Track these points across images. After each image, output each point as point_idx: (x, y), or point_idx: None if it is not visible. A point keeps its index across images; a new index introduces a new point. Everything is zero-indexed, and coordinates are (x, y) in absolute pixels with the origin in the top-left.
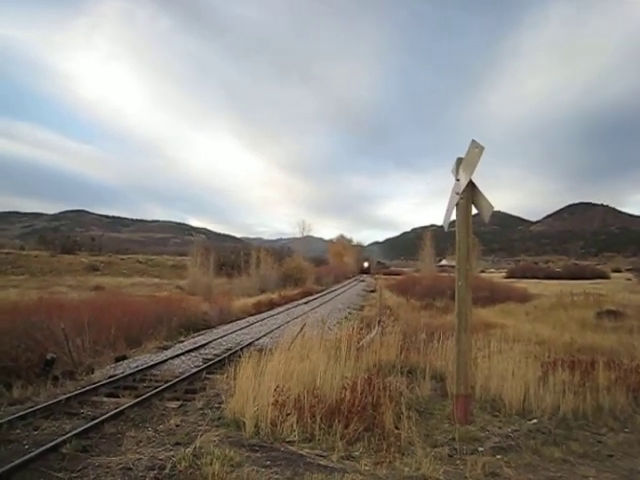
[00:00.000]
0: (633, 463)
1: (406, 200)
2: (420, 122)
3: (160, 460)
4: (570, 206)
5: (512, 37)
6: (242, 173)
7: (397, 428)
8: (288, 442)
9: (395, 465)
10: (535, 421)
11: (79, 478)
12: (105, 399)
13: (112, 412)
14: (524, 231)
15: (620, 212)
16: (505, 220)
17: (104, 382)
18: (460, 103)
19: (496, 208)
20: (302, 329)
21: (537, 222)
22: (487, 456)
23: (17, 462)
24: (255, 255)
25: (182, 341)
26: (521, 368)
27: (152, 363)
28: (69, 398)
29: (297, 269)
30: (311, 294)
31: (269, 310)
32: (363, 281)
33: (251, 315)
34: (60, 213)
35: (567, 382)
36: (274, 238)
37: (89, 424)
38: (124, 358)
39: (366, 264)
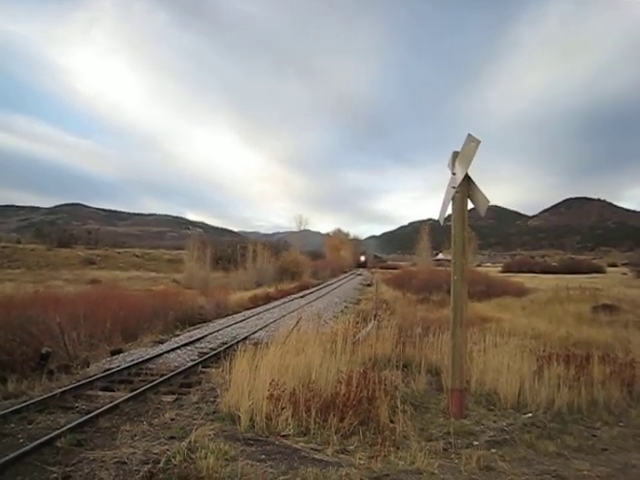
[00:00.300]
0: (627, 457)
1: (403, 194)
2: (418, 117)
3: (155, 454)
4: (567, 201)
5: (511, 33)
6: (240, 167)
7: (392, 422)
8: (283, 436)
9: (390, 459)
10: (530, 415)
11: (73, 472)
12: (100, 393)
13: (107, 406)
14: (521, 225)
15: (617, 207)
16: (502, 214)
17: (99, 376)
18: (458, 98)
19: (493, 202)
20: (298, 323)
21: (534, 216)
22: (482, 450)
23: (11, 456)
24: (252, 249)
25: (178, 335)
26: (516, 362)
27: (148, 357)
28: (64, 392)
29: (294, 263)
30: (308, 288)
31: (265, 304)
32: (360, 275)
33: (247, 309)
34: (57, 206)
35: (562, 376)
36: (271, 232)
37: (84, 418)
38: (120, 352)
39: (363, 258)
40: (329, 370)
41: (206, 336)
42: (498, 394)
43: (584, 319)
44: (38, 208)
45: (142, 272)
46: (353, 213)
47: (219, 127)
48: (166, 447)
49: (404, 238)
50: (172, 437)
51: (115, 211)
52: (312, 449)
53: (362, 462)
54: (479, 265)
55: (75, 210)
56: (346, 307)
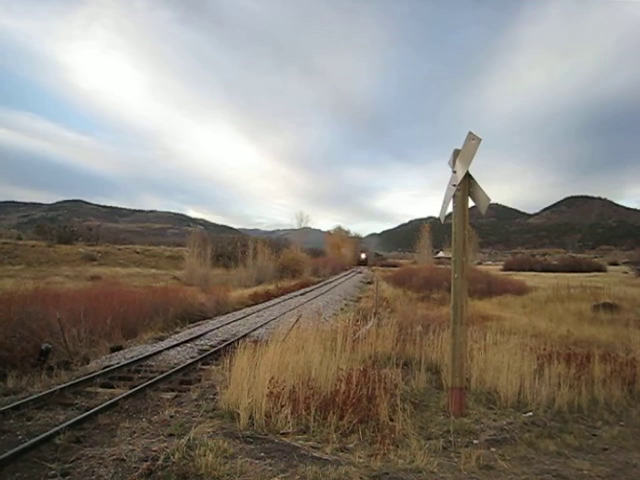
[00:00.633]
0: (628, 456)
1: (404, 192)
2: (419, 114)
3: (154, 451)
4: (568, 199)
5: (512, 30)
6: (241, 165)
7: (392, 420)
8: (282, 434)
9: (389, 457)
10: (530, 414)
11: (72, 469)
12: (100, 390)
13: (106, 403)
14: (522, 224)
15: (617, 205)
16: (503, 212)
17: (99, 372)
18: (460, 95)
19: (494, 200)
20: (298, 320)
21: (535, 215)
22: (482, 449)
23: (10, 453)
24: (252, 246)
25: (178, 332)
26: (517, 361)
27: (147, 354)
28: (63, 388)
29: (294, 260)
30: (308, 285)
31: (265, 301)
32: (360, 273)
33: (247, 306)
34: (57, 203)
35: (563, 375)
36: (272, 229)
37: (83, 415)
38: (120, 348)
39: (363, 256)
40: (329, 368)
41: (206, 333)
42: (498, 392)
43: (585, 318)
44: (39, 204)
45: (142, 269)
46: (354, 210)
47: (220, 124)
48: (165, 444)
49: (405, 236)
50: (171, 434)
51: (116, 208)
52: (311, 447)
53: (361, 460)
54: (480, 263)
55: (76, 207)
56: (346, 305)
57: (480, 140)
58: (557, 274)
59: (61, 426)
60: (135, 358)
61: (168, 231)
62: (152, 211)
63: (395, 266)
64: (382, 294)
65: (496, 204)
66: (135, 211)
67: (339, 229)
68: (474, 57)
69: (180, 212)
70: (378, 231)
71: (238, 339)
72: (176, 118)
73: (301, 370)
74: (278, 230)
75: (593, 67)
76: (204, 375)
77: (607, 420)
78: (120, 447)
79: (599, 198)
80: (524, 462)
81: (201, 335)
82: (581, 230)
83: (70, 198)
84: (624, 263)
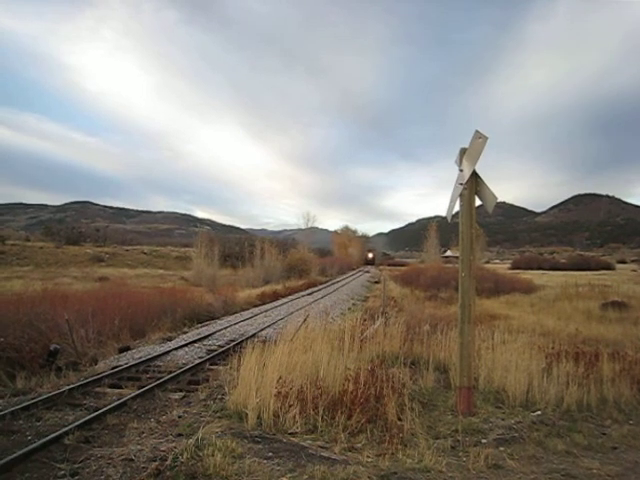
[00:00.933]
0: (637, 455)
1: (411, 191)
2: (425, 114)
3: (162, 451)
4: (575, 197)
5: (519, 30)
6: (248, 165)
7: (400, 420)
8: (290, 434)
9: (398, 457)
10: (539, 413)
11: (81, 469)
12: (108, 390)
13: (115, 403)
14: (529, 222)
15: (626, 203)
16: (510, 211)
17: (107, 373)
18: (466, 95)
19: (501, 199)
20: (305, 320)
21: (542, 213)
22: (490, 448)
23: (19, 453)
24: (260, 246)
25: (186, 332)
26: (525, 359)
27: (155, 354)
28: (72, 389)
29: (301, 260)
30: (315, 285)
31: (273, 301)
32: (368, 272)
33: (255, 306)
34: (65, 204)
35: (571, 374)
36: (279, 229)
37: (92, 415)
38: (128, 349)
39: (371, 255)
40: (337, 368)
41: (214, 333)
42: (506, 392)
43: (593, 316)
44: (47, 206)
45: (150, 269)
46: (361, 210)
47: (227, 124)
48: (173, 444)
49: (412, 235)
50: (179, 434)
51: (123, 209)
52: (319, 447)
53: (370, 460)
54: (487, 262)
55: (83, 208)
56: (354, 304)
57: (487, 138)
58: (565, 272)
59: (70, 426)
60: (143, 358)
61: (175, 232)
62: (159, 212)
63: (403, 265)
64: (390, 293)
65: (503, 202)
66: (142, 212)
67: (346, 229)
68: (481, 56)
69: (187, 213)
70: (385, 230)
71: (246, 339)
72: (183, 119)
73: (309, 370)
74: (285, 230)
75: (602, 64)
76: (212, 375)
77: (616, 419)
78: (129, 447)
79: (607, 196)
80: (533, 461)
81: (209, 335)
82: (589, 228)
83: (77, 199)
84: (632, 261)
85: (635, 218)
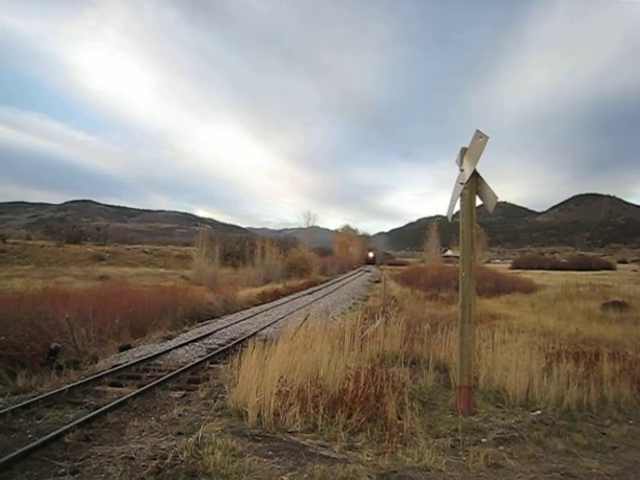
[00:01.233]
0: (637, 455)
1: (411, 191)
2: (426, 113)
3: (162, 450)
4: (576, 197)
5: (519, 30)
6: (249, 164)
7: (400, 419)
8: (290, 432)
9: (397, 456)
10: (539, 412)
11: (81, 467)
12: (108, 388)
13: (115, 402)
14: (530, 222)
15: (627, 203)
16: (511, 211)
17: (108, 371)
18: (467, 95)
19: (502, 199)
20: (306, 319)
21: (543, 213)
22: (490, 447)
23: (20, 451)
24: (260, 245)
25: (186, 331)
26: (525, 359)
27: (156, 353)
28: (72, 387)
29: (302, 259)
30: (316, 284)
31: (274, 300)
32: (368, 271)
33: (256, 305)
34: (66, 203)
35: (571, 373)
36: (279, 228)
37: (92, 413)
38: (128, 348)
39: (371, 254)
40: (337, 367)
41: (214, 332)
42: (506, 391)
43: (594, 316)
44: (48, 205)
45: (151, 268)
46: (362, 209)
47: (227, 123)
48: (174, 443)
49: (413, 234)
50: (180, 433)
51: (124, 207)
52: (319, 445)
53: (369, 459)
54: (488, 262)
55: (84, 207)
56: (354, 304)
57: (487, 138)
58: (566, 272)
59: (70, 425)
60: (144, 357)
61: (176, 231)
62: (160, 211)
63: (403, 265)
64: (390, 293)
65: (504, 202)
66: (143, 211)
67: (347, 228)
68: (481, 56)
69: (188, 212)
70: (386, 230)
71: (246, 338)
72: (184, 118)
73: (309, 369)
74: (286, 229)
75: (599, 65)
76: (212, 374)
77: (616, 419)
78: (129, 445)
79: (608, 196)
80: (532, 461)
81: (209, 334)
82: (590, 228)
83: (78, 198)
84: (633, 261)
85: (636, 218)
